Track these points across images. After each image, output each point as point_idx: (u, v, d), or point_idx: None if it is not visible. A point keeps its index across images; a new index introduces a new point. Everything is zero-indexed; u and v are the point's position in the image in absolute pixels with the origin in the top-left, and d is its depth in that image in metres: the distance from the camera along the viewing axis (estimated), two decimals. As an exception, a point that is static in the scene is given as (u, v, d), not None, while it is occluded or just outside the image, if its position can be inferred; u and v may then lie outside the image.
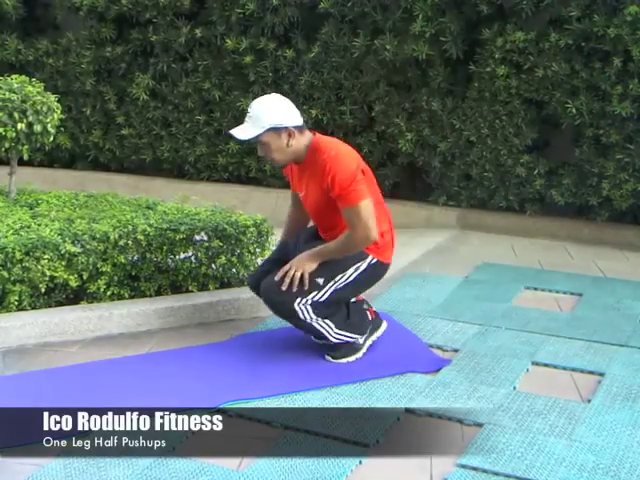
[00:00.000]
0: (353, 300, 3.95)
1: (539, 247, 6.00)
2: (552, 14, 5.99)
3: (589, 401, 3.56)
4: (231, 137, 7.17)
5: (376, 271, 3.85)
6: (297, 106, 6.74)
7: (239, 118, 7.04)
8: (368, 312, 4.02)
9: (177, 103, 7.20)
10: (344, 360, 3.87)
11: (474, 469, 3.02)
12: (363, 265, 3.77)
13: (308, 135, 3.74)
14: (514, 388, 3.67)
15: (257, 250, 4.57)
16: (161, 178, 7.45)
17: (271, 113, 3.65)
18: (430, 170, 6.60)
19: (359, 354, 3.91)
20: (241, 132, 3.74)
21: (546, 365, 3.93)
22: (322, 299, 3.73)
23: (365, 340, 3.94)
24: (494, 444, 3.17)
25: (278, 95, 3.82)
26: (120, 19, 7.23)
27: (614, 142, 5.92)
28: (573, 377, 3.81)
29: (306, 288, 3.68)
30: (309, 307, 3.71)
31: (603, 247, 6.00)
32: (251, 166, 7.12)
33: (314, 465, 3.02)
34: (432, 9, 6.11)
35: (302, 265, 3.68)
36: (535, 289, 5.02)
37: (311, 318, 3.74)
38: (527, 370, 3.87)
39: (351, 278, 3.76)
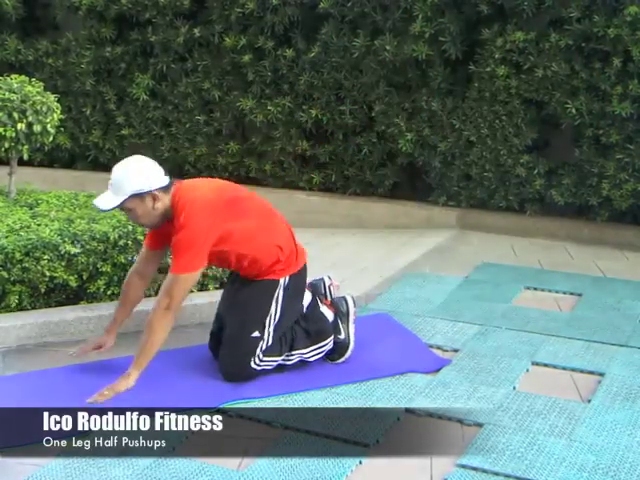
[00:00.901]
0: (304, 310, 3.89)
1: (539, 247, 6.00)
2: (552, 14, 5.99)
3: (589, 401, 3.56)
4: (231, 137, 7.23)
5: (296, 284, 3.75)
6: (297, 106, 6.82)
7: (239, 118, 7.05)
8: (325, 307, 3.94)
9: (177, 103, 7.20)
10: (343, 359, 3.87)
11: (474, 469, 3.02)
12: (280, 291, 3.68)
13: (171, 193, 3.58)
14: (514, 388, 3.67)
15: (257, 250, 4.56)
16: (161, 178, 7.45)
17: (133, 179, 3.48)
18: (430, 170, 6.60)
19: (351, 345, 3.89)
20: (103, 202, 3.52)
21: (546, 365, 3.93)
22: (270, 343, 3.69)
23: (344, 332, 3.89)
24: (494, 444, 3.17)
25: (140, 157, 3.65)
26: (120, 19, 7.22)
27: (614, 142, 5.91)
28: (573, 377, 3.81)
29: (248, 350, 3.64)
30: (264, 357, 3.68)
31: (603, 247, 6.00)
32: (251, 166, 7.12)
33: (314, 465, 3.02)
34: (432, 9, 6.11)
35: (120, 386, 3.47)
36: (535, 289, 5.02)
37: (275, 361, 3.72)
38: (527, 370, 3.87)
39: (279, 309, 3.69)
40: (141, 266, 3.75)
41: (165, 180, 3.57)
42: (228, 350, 3.68)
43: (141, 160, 3.62)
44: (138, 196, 3.49)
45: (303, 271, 3.80)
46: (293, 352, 3.78)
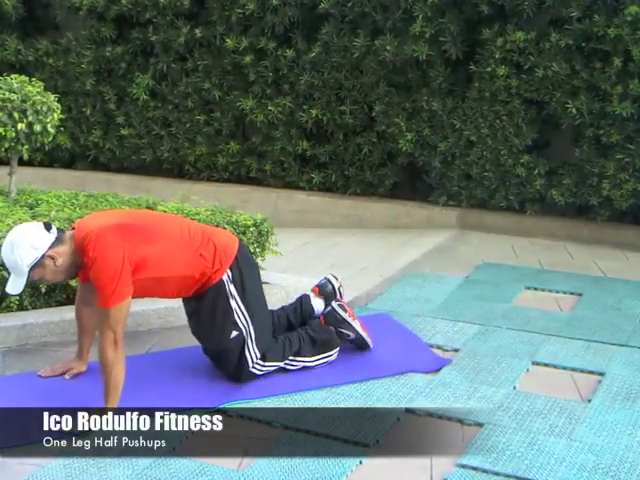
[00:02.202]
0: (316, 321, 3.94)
1: (539, 247, 6.00)
2: (552, 14, 5.99)
3: (589, 401, 3.56)
4: (231, 137, 7.23)
5: (241, 268, 3.62)
6: (297, 106, 6.82)
7: (239, 118, 7.05)
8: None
9: (177, 103, 7.20)
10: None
11: (474, 469, 3.02)
12: (230, 287, 3.58)
13: (69, 236, 3.41)
14: (514, 388, 3.67)
15: (257, 250, 4.57)
16: (161, 178, 7.46)
17: (22, 256, 3.32)
18: (430, 170, 6.60)
19: (366, 336, 3.97)
20: (12, 288, 3.39)
21: (546, 365, 3.93)
22: (255, 344, 3.64)
23: (351, 332, 3.94)
24: (494, 444, 3.17)
25: (18, 230, 3.42)
26: (120, 19, 7.23)
27: (614, 142, 5.91)
28: (573, 377, 3.81)
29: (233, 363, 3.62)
30: (260, 359, 3.65)
31: (603, 247, 6.00)
32: (251, 166, 7.12)
33: (314, 465, 3.02)
34: (432, 9, 6.11)
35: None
36: (535, 289, 5.02)
37: (277, 366, 3.71)
38: (527, 370, 3.87)
39: (240, 301, 3.60)
40: (83, 295, 3.66)
41: (52, 235, 3.37)
42: (220, 365, 3.68)
43: (21, 232, 3.39)
44: (36, 266, 3.34)
45: (240, 254, 3.66)
46: (297, 358, 3.77)
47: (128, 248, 3.34)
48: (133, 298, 3.40)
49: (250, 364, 3.63)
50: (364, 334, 3.97)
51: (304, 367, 3.80)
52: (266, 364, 3.69)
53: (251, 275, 3.69)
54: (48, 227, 3.38)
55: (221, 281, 3.57)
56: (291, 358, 3.76)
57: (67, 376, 3.65)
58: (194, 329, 3.74)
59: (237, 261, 3.61)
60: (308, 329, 3.87)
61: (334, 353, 3.87)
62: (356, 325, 3.96)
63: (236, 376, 3.64)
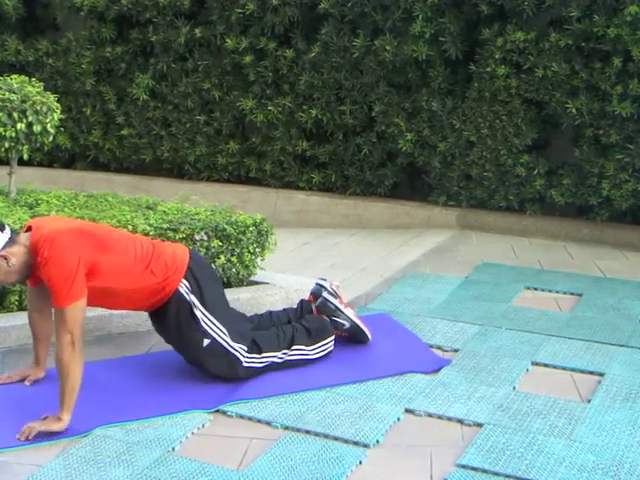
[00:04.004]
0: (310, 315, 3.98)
1: (539, 247, 6.00)
2: (552, 14, 5.99)
3: (589, 401, 3.56)
4: (231, 137, 7.23)
5: (196, 276, 3.57)
6: (297, 106, 6.82)
7: (239, 118, 7.05)
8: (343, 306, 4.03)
9: (177, 103, 7.20)
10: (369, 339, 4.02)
11: (474, 469, 3.02)
12: (189, 297, 3.54)
13: (24, 238, 3.37)
14: (514, 388, 3.67)
15: (257, 250, 4.57)
16: (161, 178, 7.46)
17: None
18: (430, 170, 6.60)
19: (361, 325, 4.02)
20: None
21: (546, 365, 3.93)
22: (234, 340, 3.60)
23: (345, 320, 3.98)
24: (494, 444, 3.18)
25: None
26: (120, 19, 7.23)
27: (614, 142, 5.92)
28: (573, 377, 3.81)
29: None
30: (251, 352, 3.64)
31: (603, 247, 6.00)
32: (251, 166, 7.12)
33: (314, 465, 3.02)
34: (432, 9, 6.11)
35: (53, 427, 3.21)
36: (535, 289, 5.02)
37: (274, 356, 3.71)
38: (527, 370, 3.87)
39: (203, 307, 3.56)
40: (35, 303, 3.63)
41: (5, 235, 3.32)
42: (213, 372, 3.64)
43: None
44: None
45: (192, 262, 3.60)
46: (295, 347, 3.77)
47: (82, 251, 3.31)
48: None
49: (242, 360, 3.62)
50: (358, 322, 4.01)
51: (304, 360, 3.80)
52: (263, 355, 3.68)
53: (207, 279, 3.66)
54: (1, 227, 3.34)
55: (178, 292, 3.53)
56: (289, 348, 3.75)
57: (27, 383, 3.62)
58: (168, 342, 3.74)
59: (190, 270, 3.57)
60: (301, 320, 3.90)
61: (331, 342, 3.88)
62: (349, 313, 4.00)
63: (234, 376, 3.63)
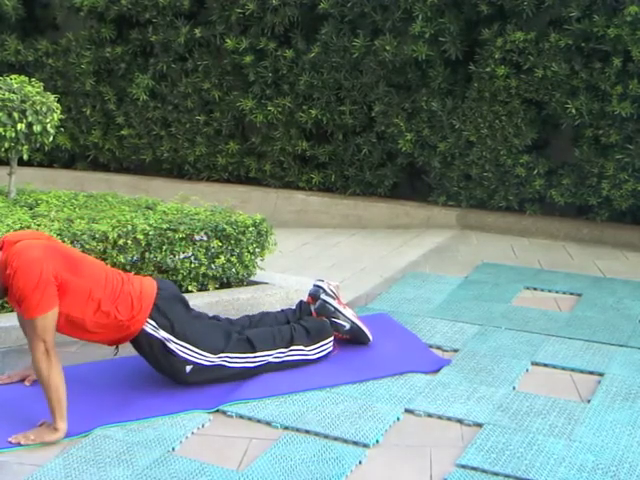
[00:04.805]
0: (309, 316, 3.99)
1: (539, 247, 6.00)
2: (552, 14, 5.99)
3: (589, 401, 3.56)
4: (231, 137, 7.22)
5: (164, 310, 3.51)
6: (297, 106, 6.82)
7: (239, 118, 7.05)
8: (342, 307, 4.04)
9: (177, 103, 7.20)
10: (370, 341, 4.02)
11: (474, 469, 3.02)
12: (159, 333, 3.48)
13: None
14: (514, 388, 3.67)
15: (257, 250, 4.57)
16: (161, 178, 7.46)
17: None
18: (430, 170, 6.60)
19: (362, 325, 4.03)
20: None
21: (546, 365, 3.93)
22: (214, 353, 3.58)
23: (344, 321, 3.98)
24: (494, 444, 3.18)
25: None
26: (120, 19, 7.23)
27: (614, 142, 5.92)
28: (573, 377, 3.81)
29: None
30: (238, 353, 3.63)
31: (603, 247, 6.00)
32: (251, 166, 7.12)
33: (314, 465, 3.02)
34: (432, 9, 6.12)
35: (49, 438, 3.19)
36: (535, 289, 5.02)
37: (269, 355, 3.70)
38: (527, 370, 3.87)
39: (180, 341, 3.51)
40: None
41: None
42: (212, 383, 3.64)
43: None
44: None
45: (159, 297, 3.52)
46: (294, 347, 3.77)
47: (53, 265, 3.25)
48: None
49: (233, 365, 3.62)
50: (359, 322, 4.01)
51: (304, 360, 3.80)
52: (257, 355, 3.67)
53: (175, 308, 3.58)
54: None
55: (144, 332, 3.47)
56: (287, 348, 3.74)
57: (27, 383, 3.61)
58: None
59: (157, 307, 3.49)
60: (300, 321, 3.90)
61: (330, 342, 3.88)
62: (348, 313, 4.01)
63: (233, 380, 3.63)
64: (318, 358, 3.84)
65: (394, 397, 3.56)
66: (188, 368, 3.55)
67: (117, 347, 3.62)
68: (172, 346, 3.51)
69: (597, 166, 6.01)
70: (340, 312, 3.99)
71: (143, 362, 3.83)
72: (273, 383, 3.64)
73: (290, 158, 6.95)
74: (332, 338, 3.91)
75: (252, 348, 3.67)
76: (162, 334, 3.49)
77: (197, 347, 3.55)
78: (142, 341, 3.51)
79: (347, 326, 3.99)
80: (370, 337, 4.04)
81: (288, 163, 6.96)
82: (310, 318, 3.95)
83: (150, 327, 3.48)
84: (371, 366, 3.85)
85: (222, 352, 3.61)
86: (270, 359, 3.72)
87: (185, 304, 3.69)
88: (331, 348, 3.90)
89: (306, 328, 3.84)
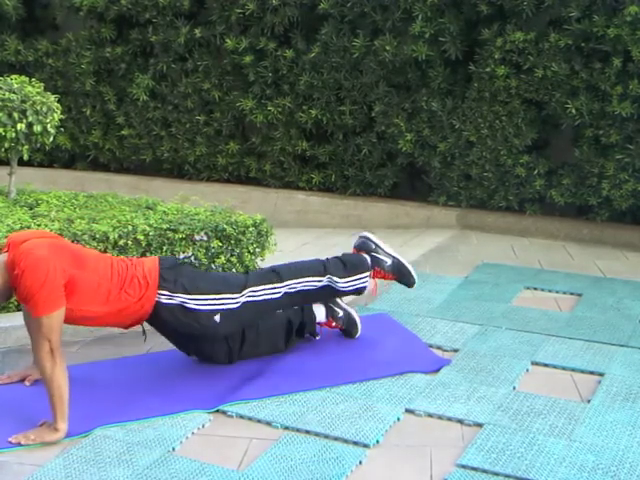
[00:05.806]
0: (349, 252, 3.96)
1: (539, 247, 6.00)
2: (552, 14, 6.00)
3: (589, 401, 3.56)
4: (231, 137, 7.23)
5: (177, 276, 3.52)
6: (297, 106, 6.82)
7: (239, 118, 7.05)
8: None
9: (177, 103, 7.20)
10: (414, 277, 4.01)
11: (474, 469, 3.02)
12: (178, 300, 3.48)
13: (1, 258, 3.32)
14: (514, 388, 3.67)
15: (257, 250, 4.58)
16: (161, 178, 7.46)
17: None
18: (430, 170, 6.61)
19: (404, 261, 3.97)
20: None
21: (546, 365, 3.93)
22: (237, 298, 3.57)
23: (387, 257, 3.92)
24: (494, 444, 3.18)
25: None
26: (120, 19, 7.23)
27: (614, 142, 5.92)
28: (573, 377, 3.81)
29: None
30: (258, 288, 3.62)
31: (603, 247, 6.00)
32: (251, 166, 7.12)
33: (314, 465, 3.02)
34: (432, 9, 6.12)
35: (50, 438, 3.18)
36: (535, 289, 5.02)
37: (293, 284, 3.67)
38: (527, 370, 3.87)
39: (198, 297, 3.51)
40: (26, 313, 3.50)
41: None
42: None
43: None
44: None
45: (162, 269, 3.53)
46: (325, 277, 3.74)
47: (60, 263, 3.26)
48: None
49: (262, 298, 3.62)
50: (400, 258, 3.91)
51: (331, 287, 3.75)
52: (285, 283, 3.66)
53: (181, 271, 3.59)
54: None
55: (160, 304, 3.47)
56: (318, 277, 3.70)
57: (27, 383, 3.61)
58: (181, 348, 3.73)
59: (163, 278, 3.50)
60: (336, 255, 3.85)
61: (365, 278, 3.80)
62: (391, 250, 3.91)
63: (265, 319, 3.67)
64: (345, 290, 3.77)
65: (394, 397, 3.55)
66: (217, 318, 3.53)
67: (145, 333, 3.62)
68: (192, 305, 3.49)
69: (597, 166, 6.01)
70: (381, 248, 3.90)
71: (144, 362, 3.84)
72: (273, 383, 3.64)
73: (290, 158, 6.95)
74: (368, 274, 3.83)
75: (278, 277, 3.63)
76: (178, 299, 3.49)
77: (217, 294, 3.54)
78: (162, 314, 3.49)
79: (389, 262, 3.89)
80: (415, 277, 3.93)
81: (288, 163, 6.96)
82: (348, 253, 3.87)
83: (164, 297, 3.48)
84: (371, 366, 3.84)
85: (245, 287, 3.58)
86: (299, 287, 3.65)
87: (186, 266, 3.70)
88: (366, 284, 3.81)
89: (342, 261, 3.78)
